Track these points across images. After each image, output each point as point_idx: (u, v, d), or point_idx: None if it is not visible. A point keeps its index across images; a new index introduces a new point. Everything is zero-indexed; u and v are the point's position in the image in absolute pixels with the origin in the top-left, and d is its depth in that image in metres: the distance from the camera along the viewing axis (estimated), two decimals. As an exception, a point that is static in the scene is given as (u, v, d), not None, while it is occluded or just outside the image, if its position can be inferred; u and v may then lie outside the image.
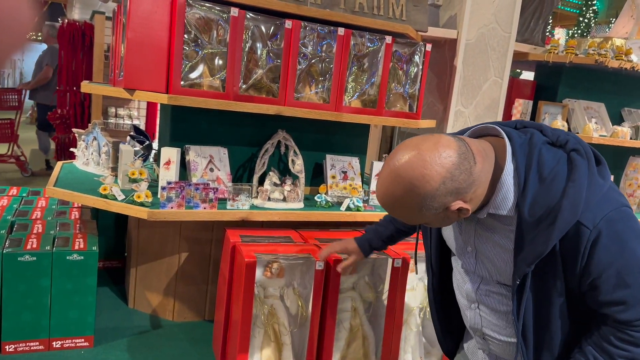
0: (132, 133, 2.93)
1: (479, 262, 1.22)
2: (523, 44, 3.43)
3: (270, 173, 2.52)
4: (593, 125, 3.20)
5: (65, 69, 5.19)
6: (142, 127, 5.37)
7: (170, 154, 2.33)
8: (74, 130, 2.94)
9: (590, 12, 13.09)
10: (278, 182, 2.51)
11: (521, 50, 3.34)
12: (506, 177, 1.06)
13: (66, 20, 5.40)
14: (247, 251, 2.02)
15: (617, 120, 3.54)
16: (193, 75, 2.28)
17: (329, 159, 2.73)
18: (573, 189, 1.03)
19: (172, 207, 2.18)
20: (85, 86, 2.43)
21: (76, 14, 8.37)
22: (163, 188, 2.18)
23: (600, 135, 3.17)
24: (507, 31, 3.06)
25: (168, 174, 2.33)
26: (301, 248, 2.18)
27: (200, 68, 2.29)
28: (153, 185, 2.47)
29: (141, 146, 2.86)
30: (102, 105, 5.24)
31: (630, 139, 3.28)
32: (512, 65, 3.27)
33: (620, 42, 3.23)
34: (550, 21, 12.99)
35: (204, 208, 2.24)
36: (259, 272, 2.10)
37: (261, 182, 2.54)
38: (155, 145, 2.98)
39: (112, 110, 5.25)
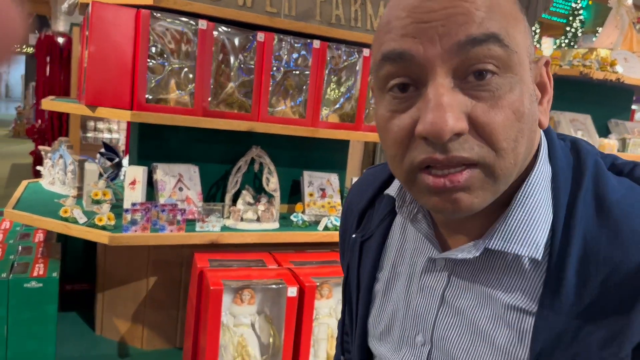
0: (102, 150, 2.81)
1: None
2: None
3: (244, 192, 2.41)
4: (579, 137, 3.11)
5: (42, 83, 5.07)
6: (122, 141, 5.24)
7: (136, 173, 2.20)
8: (40, 147, 2.82)
9: (577, 21, 13.15)
10: (252, 201, 2.40)
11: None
12: (536, 181, 0.60)
13: (44, 33, 5.28)
14: (214, 277, 1.90)
15: (604, 132, 3.46)
16: (159, 90, 2.16)
17: (307, 175, 2.62)
18: None
19: (135, 231, 2.06)
20: (47, 103, 2.31)
21: (60, 26, 8.25)
22: (126, 210, 2.06)
23: (587, 148, 3.09)
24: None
25: (134, 195, 2.20)
26: (274, 273, 2.06)
27: (168, 83, 2.18)
28: (120, 206, 2.34)
29: (111, 164, 2.74)
30: (81, 118, 5.11)
31: (618, 151, 3.20)
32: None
33: (605, 52, 3.16)
34: (538, 31, 13.04)
35: (171, 231, 2.11)
36: (228, 299, 1.98)
37: (235, 201, 2.42)
38: (126, 162, 2.86)
39: (92, 123, 5.12)
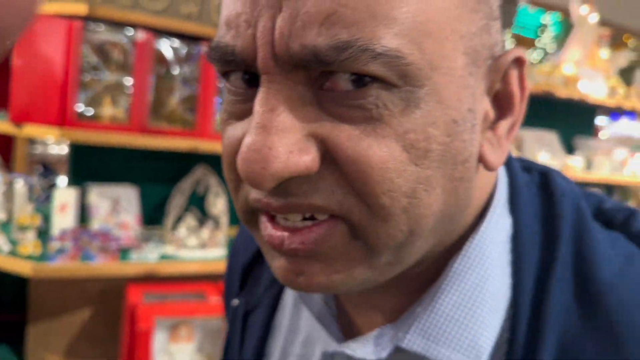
0: (38, 169, 2.61)
1: None
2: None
3: (187, 215, 2.24)
4: (544, 155, 3.04)
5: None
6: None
7: (66, 195, 2.02)
8: (-29, 165, 2.60)
9: (546, 36, 13.39)
10: (196, 225, 2.23)
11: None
12: (482, 247, 0.38)
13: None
14: (145, 315, 1.73)
15: (570, 149, 3.40)
16: (93, 105, 2.00)
17: (259, 197, 2.46)
18: None
19: (62, 261, 1.87)
20: (-31, 119, 2.11)
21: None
22: (52, 238, 1.87)
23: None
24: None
25: (64, 220, 2.02)
26: (215, 306, 1.89)
27: (102, 98, 2.01)
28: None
29: (48, 183, 2.55)
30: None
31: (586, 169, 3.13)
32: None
33: (569, 69, 3.10)
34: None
35: (102, 260, 1.93)
36: (163, 337, 1.81)
37: (178, 225, 2.25)
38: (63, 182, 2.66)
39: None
